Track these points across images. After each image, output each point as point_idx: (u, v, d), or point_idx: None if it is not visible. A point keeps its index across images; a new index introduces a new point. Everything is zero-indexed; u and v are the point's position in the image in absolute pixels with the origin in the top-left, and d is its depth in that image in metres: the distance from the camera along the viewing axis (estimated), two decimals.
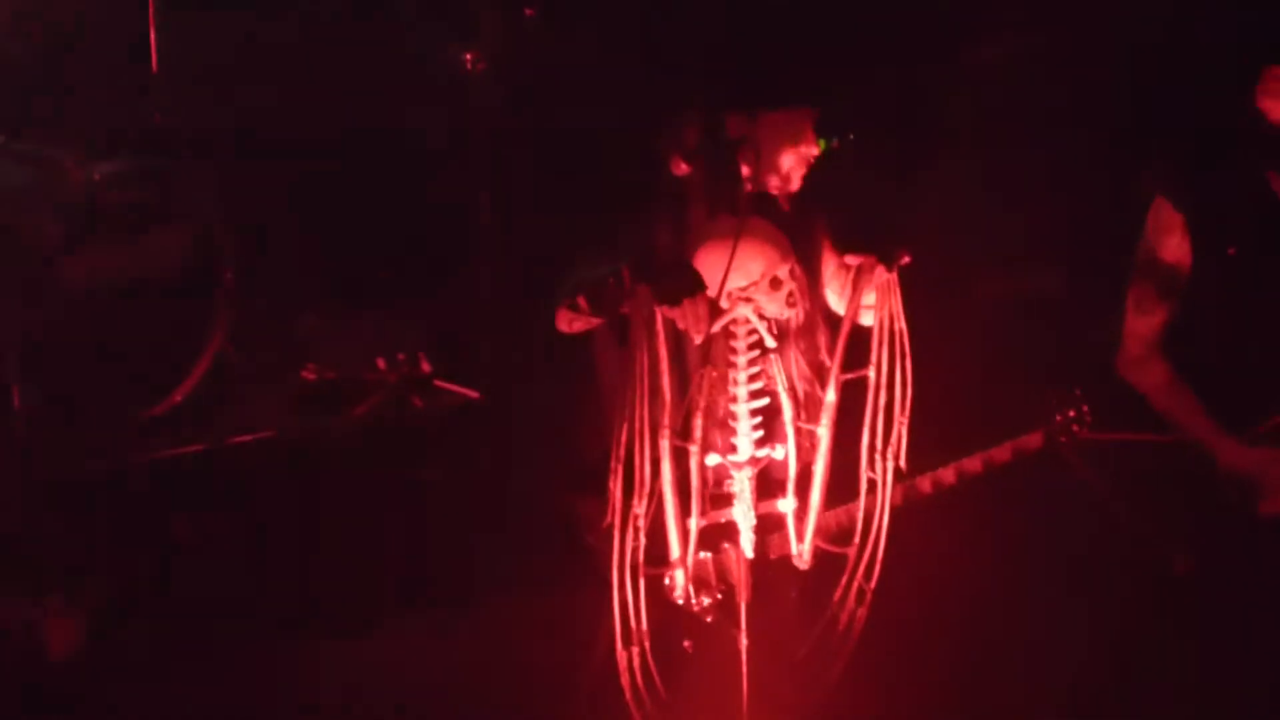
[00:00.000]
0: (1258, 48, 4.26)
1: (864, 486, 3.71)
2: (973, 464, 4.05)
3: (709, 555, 3.75)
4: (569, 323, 3.79)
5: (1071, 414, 4.13)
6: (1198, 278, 4.33)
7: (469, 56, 5.69)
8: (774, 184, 3.87)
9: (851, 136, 3.86)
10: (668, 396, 3.49)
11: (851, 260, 3.70)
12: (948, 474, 4.01)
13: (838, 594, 3.77)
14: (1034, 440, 4.09)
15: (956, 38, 5.68)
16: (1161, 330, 4.39)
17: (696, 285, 3.47)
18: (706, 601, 3.76)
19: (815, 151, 3.85)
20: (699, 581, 3.74)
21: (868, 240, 3.69)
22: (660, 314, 3.44)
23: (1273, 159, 4.28)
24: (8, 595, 4.43)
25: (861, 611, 3.77)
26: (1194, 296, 4.35)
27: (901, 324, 3.63)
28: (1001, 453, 4.08)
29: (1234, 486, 4.28)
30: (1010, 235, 5.45)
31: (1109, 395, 4.36)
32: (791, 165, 3.85)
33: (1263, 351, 4.30)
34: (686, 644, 3.83)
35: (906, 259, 3.64)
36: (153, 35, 5.60)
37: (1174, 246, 4.34)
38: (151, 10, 5.59)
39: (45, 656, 4.31)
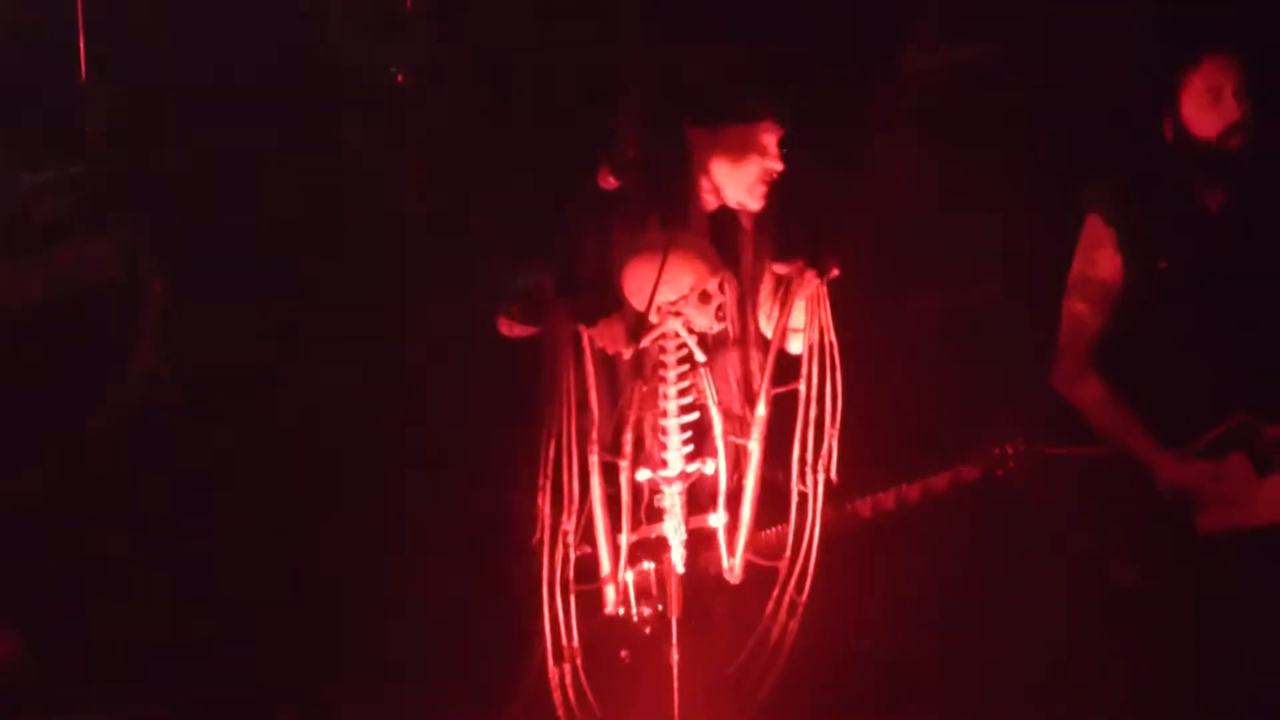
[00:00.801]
0: (1176, 56, 4.28)
1: (795, 500, 3.71)
2: (912, 491, 4.06)
3: (651, 565, 3.74)
4: (509, 328, 3.76)
5: (1009, 449, 4.15)
6: (1130, 293, 4.34)
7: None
8: (734, 199, 3.85)
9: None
10: (596, 411, 3.48)
11: (780, 269, 3.70)
12: (887, 499, 4.01)
13: (769, 607, 3.77)
14: (971, 472, 4.10)
15: (887, 50, 5.68)
16: (1094, 346, 4.39)
17: (611, 306, 3.46)
18: (646, 611, 3.76)
19: (779, 168, 3.82)
20: (640, 591, 3.74)
21: (798, 251, 3.69)
22: (584, 332, 3.43)
23: (1199, 172, 4.29)
24: None
25: (793, 624, 3.76)
26: (1127, 312, 4.36)
27: (832, 336, 3.62)
28: (939, 482, 4.09)
29: (1172, 501, 4.28)
30: (947, 249, 5.44)
31: (1047, 410, 4.38)
32: (754, 180, 3.82)
33: (1197, 366, 4.31)
34: (624, 653, 3.82)
35: (836, 271, 3.63)
36: (81, 43, 5.54)
37: (1105, 261, 4.35)
38: (80, 17, 5.53)
39: None
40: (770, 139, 3.82)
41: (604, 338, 3.44)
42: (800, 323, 3.66)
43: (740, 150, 3.81)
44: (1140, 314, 4.35)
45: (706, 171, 3.84)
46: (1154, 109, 4.32)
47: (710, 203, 3.88)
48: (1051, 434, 4.34)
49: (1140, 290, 4.33)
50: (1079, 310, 4.40)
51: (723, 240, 3.85)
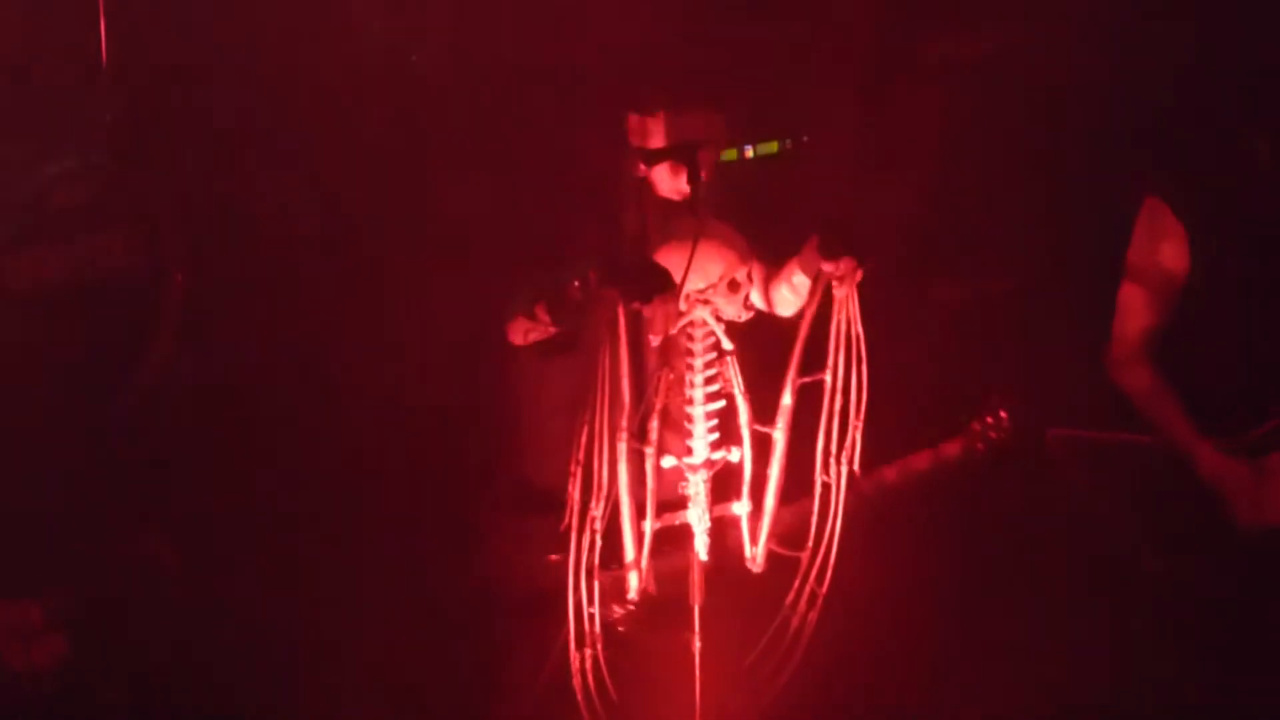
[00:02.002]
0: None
1: (818, 490, 3.73)
2: (889, 472, 4.07)
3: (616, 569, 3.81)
4: (524, 334, 3.79)
5: (989, 420, 4.16)
6: (1193, 285, 4.33)
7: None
8: (666, 188, 3.88)
9: (805, 139, 3.87)
10: (626, 399, 3.49)
11: (828, 267, 3.67)
12: (865, 485, 4.01)
13: (790, 597, 3.78)
14: (951, 448, 4.11)
15: (932, 35, 5.68)
16: (1150, 334, 4.37)
17: (668, 282, 3.48)
18: (618, 612, 3.81)
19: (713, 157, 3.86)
20: (612, 592, 3.79)
21: (834, 244, 3.68)
22: (622, 317, 3.44)
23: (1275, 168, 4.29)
24: None
25: (813, 615, 3.78)
26: (1187, 303, 4.35)
27: (858, 328, 3.64)
28: (919, 460, 4.09)
29: (1213, 495, 4.29)
30: (975, 239, 5.46)
31: (1094, 395, 4.38)
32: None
33: (1254, 362, 4.32)
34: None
35: (870, 263, 3.65)
36: (102, 29, 5.55)
37: (1171, 253, 4.31)
38: (101, 6, 5.54)
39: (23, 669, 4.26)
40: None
41: (657, 314, 3.45)
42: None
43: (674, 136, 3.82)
44: (1201, 306, 4.34)
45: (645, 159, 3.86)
46: (1235, 102, 4.33)
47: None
48: (1087, 419, 4.35)
49: (1204, 283, 4.32)
50: (1136, 297, 4.38)
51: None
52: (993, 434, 4.16)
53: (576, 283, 3.55)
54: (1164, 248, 4.31)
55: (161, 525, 4.89)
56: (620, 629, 3.82)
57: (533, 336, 3.77)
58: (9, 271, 5.12)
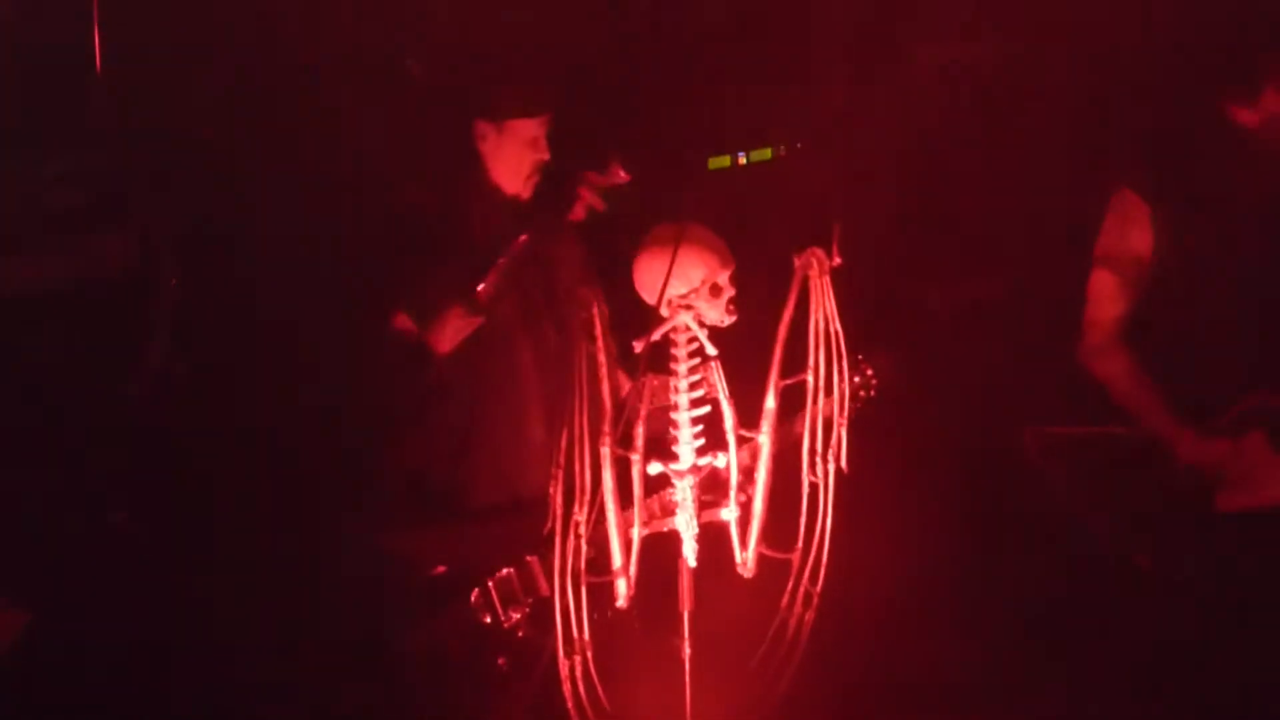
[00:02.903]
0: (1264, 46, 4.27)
1: (805, 490, 3.70)
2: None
3: (511, 570, 3.91)
4: (452, 334, 3.97)
5: (856, 379, 4.16)
6: (1161, 269, 4.33)
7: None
8: (511, 191, 4.24)
9: (799, 145, 3.86)
10: (608, 404, 3.47)
11: (798, 260, 3.67)
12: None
13: (784, 599, 3.76)
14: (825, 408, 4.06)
15: (911, 36, 5.67)
16: (1122, 320, 4.39)
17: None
18: (516, 616, 3.82)
19: (546, 157, 4.19)
20: (506, 597, 3.82)
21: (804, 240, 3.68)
22: (599, 320, 3.43)
23: (1242, 151, 4.27)
24: None
25: (809, 616, 3.76)
26: (1157, 287, 4.35)
27: (836, 326, 3.61)
28: (798, 425, 4.02)
29: (1192, 478, 4.28)
30: (969, 237, 5.45)
31: (1068, 391, 4.37)
32: (530, 172, 4.22)
33: (1224, 344, 4.30)
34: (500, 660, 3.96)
35: (839, 259, 3.62)
36: (96, 35, 5.54)
37: (1139, 238, 4.34)
38: (96, 8, 5.53)
39: None
40: (540, 132, 4.18)
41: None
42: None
43: (519, 143, 4.18)
44: (1169, 290, 4.33)
45: (490, 165, 4.19)
46: (1206, 88, 4.31)
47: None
48: (1073, 414, 4.34)
49: (1172, 267, 4.32)
50: (1107, 284, 4.39)
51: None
52: (861, 392, 4.24)
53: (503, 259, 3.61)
54: (1132, 232, 4.33)
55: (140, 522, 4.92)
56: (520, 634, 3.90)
57: (461, 333, 3.83)
58: (3, 274, 5.13)
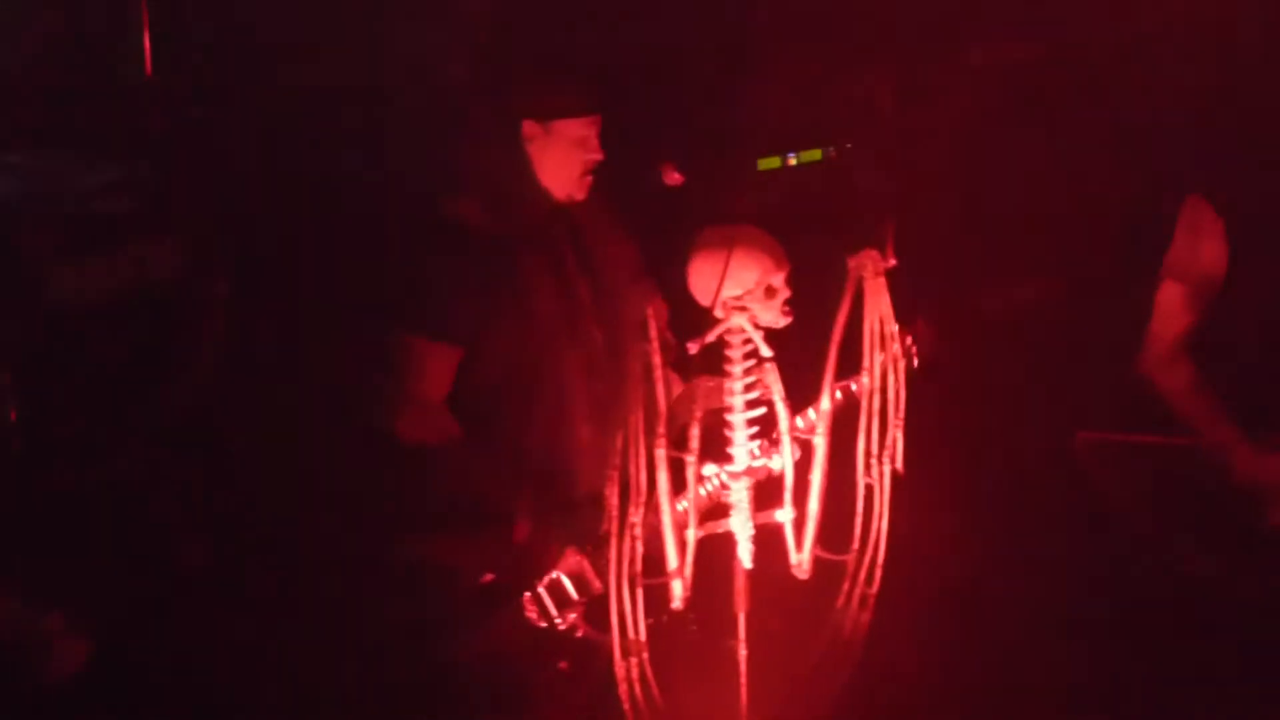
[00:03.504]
0: None
1: (861, 492, 3.70)
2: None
3: (559, 574, 3.94)
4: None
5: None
6: (1232, 284, 4.29)
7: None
8: (562, 193, 4.19)
9: (849, 146, 3.85)
10: (663, 405, 3.47)
11: (851, 261, 3.67)
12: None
13: (840, 601, 3.76)
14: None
15: (971, 36, 5.66)
16: (1188, 334, 4.35)
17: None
18: (571, 617, 3.82)
19: (599, 157, 4.14)
20: (560, 599, 3.81)
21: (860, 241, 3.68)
22: (653, 324, 3.42)
23: None
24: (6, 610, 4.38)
25: (865, 617, 3.75)
26: (1225, 302, 4.31)
27: (892, 326, 3.61)
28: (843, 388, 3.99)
29: (1250, 493, 4.25)
30: (1024, 237, 5.43)
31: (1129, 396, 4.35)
32: (581, 172, 4.16)
33: None
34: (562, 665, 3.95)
35: (894, 260, 3.62)
36: (147, 40, 5.57)
37: (1211, 251, 4.29)
38: (145, 14, 5.56)
39: (43, 677, 4.27)
40: (591, 131, 4.13)
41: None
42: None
43: (568, 143, 4.12)
44: (1239, 305, 4.30)
45: (538, 166, 4.13)
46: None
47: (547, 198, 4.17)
48: (1132, 422, 4.32)
49: (1243, 282, 4.28)
50: (1175, 297, 4.35)
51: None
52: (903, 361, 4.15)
53: None
54: (1205, 246, 4.27)
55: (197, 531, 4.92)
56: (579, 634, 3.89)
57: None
58: (54, 281, 5.15)
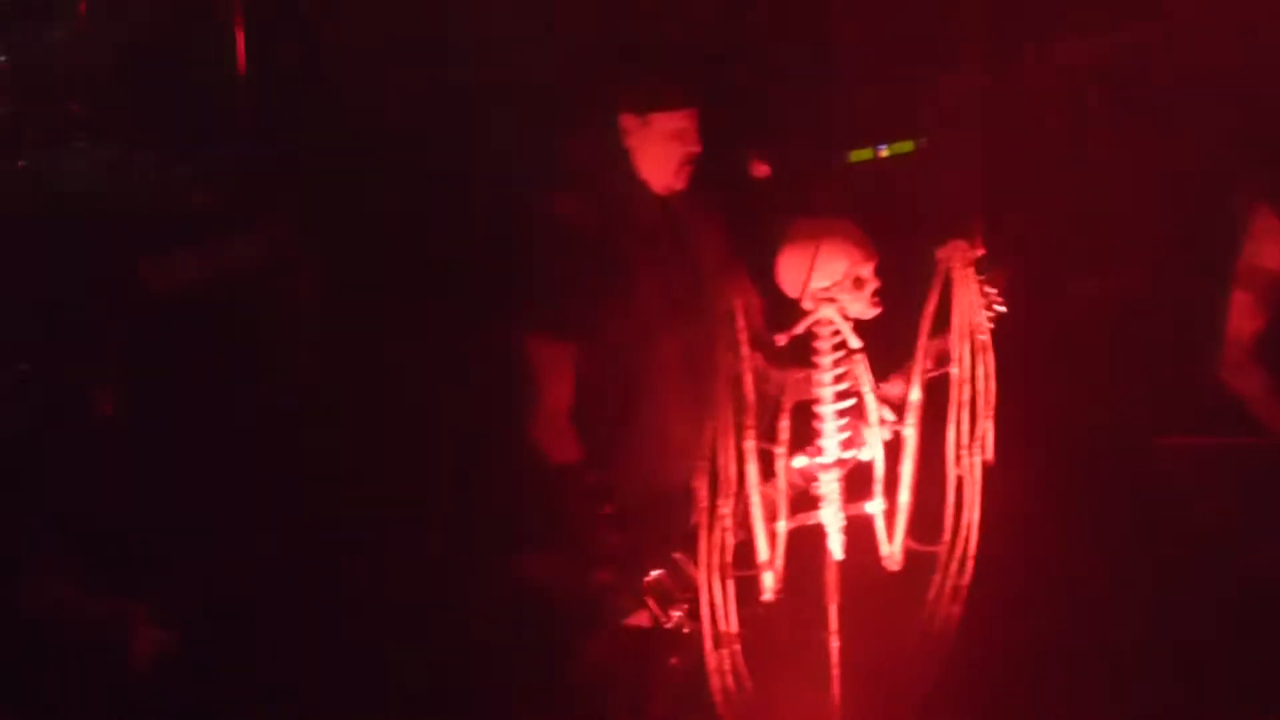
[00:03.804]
0: None
1: (951, 484, 3.68)
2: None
3: (662, 571, 3.92)
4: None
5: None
6: None
7: None
8: (661, 185, 4.17)
9: (939, 137, 3.83)
10: (752, 397, 3.48)
11: (940, 252, 3.65)
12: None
13: (931, 592, 3.75)
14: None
15: (1051, 34, 5.63)
16: (1263, 337, 4.34)
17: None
18: (676, 615, 3.82)
19: (698, 149, 4.12)
20: (663, 597, 3.81)
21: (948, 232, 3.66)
22: (740, 314, 3.43)
23: None
24: (94, 600, 4.42)
25: (956, 609, 3.74)
26: None
27: (980, 318, 3.59)
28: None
29: None
30: (1105, 235, 5.39)
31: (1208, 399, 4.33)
32: (679, 164, 4.14)
33: None
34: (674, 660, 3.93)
35: (981, 250, 3.60)
36: (240, 35, 5.61)
37: (1272, 251, 4.28)
38: (238, 9, 5.61)
39: (130, 666, 4.32)
40: (688, 123, 4.11)
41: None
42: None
43: (665, 136, 4.12)
44: None
45: (637, 159, 4.14)
46: None
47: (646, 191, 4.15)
48: (1210, 423, 4.29)
49: None
50: (1246, 300, 4.35)
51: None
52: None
53: None
54: (1267, 249, 4.27)
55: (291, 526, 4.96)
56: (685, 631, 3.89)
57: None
58: (147, 273, 5.20)
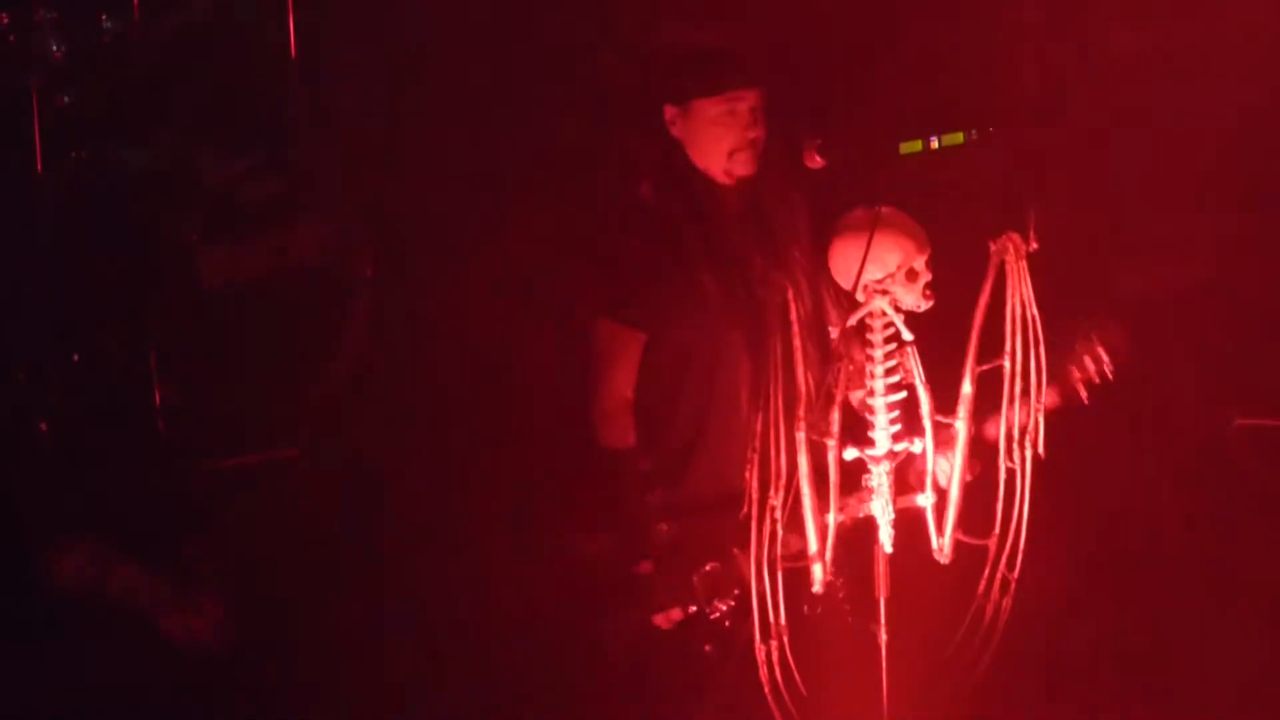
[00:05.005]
0: None
1: (1003, 476, 3.67)
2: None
3: (717, 564, 3.87)
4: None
5: (1088, 360, 3.98)
6: None
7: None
8: (719, 170, 4.11)
9: (991, 129, 3.81)
10: (804, 389, 3.47)
11: (994, 245, 3.63)
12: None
13: (981, 585, 3.73)
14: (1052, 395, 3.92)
15: (1116, 18, 5.60)
16: None
17: None
18: (723, 607, 3.81)
19: (756, 133, 4.06)
20: (713, 590, 3.80)
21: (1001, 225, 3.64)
22: (794, 305, 3.42)
23: None
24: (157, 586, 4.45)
25: (1006, 602, 3.72)
26: None
27: (1034, 310, 3.57)
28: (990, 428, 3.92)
29: None
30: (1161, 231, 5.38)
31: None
32: (733, 149, 4.07)
33: None
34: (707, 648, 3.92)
35: (1035, 244, 3.57)
36: (291, 27, 5.63)
37: None
38: (290, 3, 5.62)
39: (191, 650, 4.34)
40: (742, 106, 4.03)
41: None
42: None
43: (708, 122, 4.06)
44: None
45: (688, 147, 4.10)
46: None
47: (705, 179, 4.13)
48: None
49: None
50: None
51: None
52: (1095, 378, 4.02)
53: None
54: None
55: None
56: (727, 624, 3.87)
57: None
58: (203, 266, 5.23)
